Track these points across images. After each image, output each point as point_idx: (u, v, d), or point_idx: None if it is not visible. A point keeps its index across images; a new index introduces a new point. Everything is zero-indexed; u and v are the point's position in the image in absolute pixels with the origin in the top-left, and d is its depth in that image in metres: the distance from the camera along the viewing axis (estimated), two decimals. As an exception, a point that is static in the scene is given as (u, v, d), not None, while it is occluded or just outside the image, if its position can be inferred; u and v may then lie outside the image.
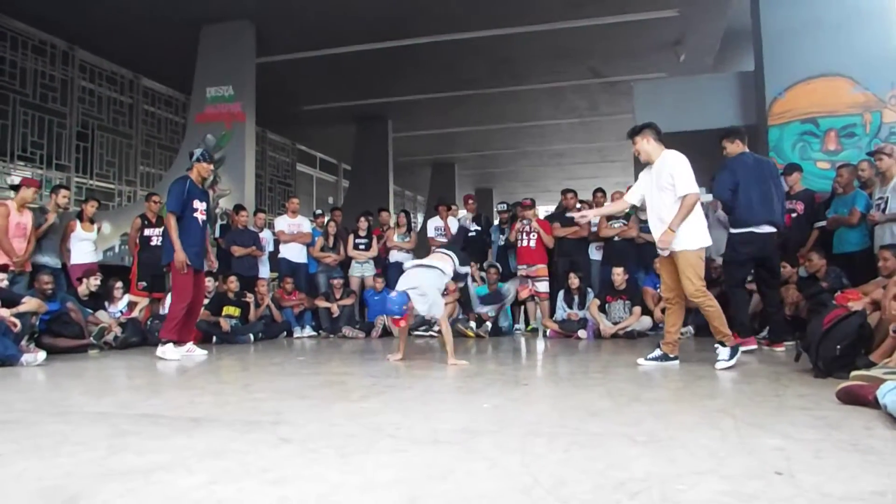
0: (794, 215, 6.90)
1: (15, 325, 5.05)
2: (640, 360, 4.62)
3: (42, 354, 5.07)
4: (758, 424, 2.48)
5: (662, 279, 4.73)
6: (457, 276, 5.43)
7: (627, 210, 5.08)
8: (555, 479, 1.80)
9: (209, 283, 7.74)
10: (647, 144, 4.59)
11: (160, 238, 7.69)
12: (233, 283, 7.59)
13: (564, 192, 8.38)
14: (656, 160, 4.57)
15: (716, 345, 4.46)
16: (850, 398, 2.84)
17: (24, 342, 5.26)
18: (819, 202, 6.92)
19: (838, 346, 3.65)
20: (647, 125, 4.65)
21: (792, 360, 4.11)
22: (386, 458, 2.06)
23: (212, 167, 6.07)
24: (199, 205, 5.76)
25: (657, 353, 4.62)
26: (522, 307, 8.37)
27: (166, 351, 5.52)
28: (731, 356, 4.35)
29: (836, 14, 8.26)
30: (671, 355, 4.59)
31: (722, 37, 11.01)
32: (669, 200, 4.46)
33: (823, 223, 6.70)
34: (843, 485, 1.74)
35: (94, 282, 6.97)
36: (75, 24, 10.18)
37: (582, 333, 7.08)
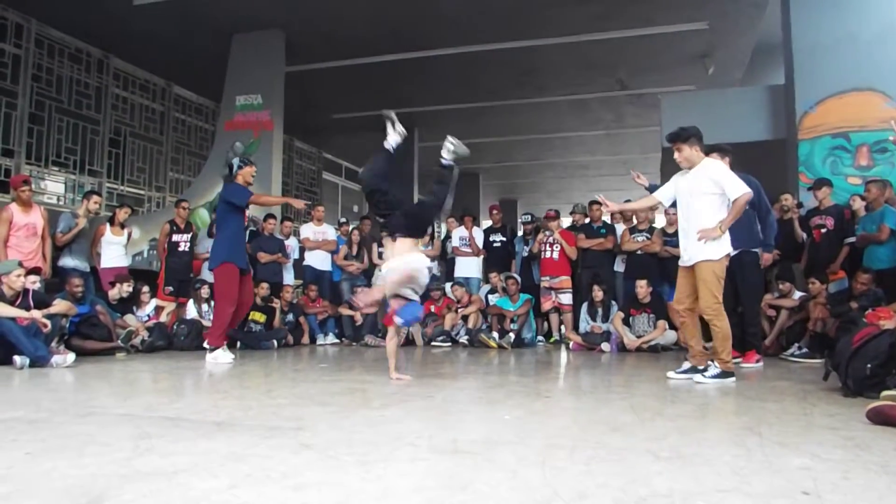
0: (823, 231, 6.79)
1: (45, 326, 5.15)
2: (670, 374, 4.57)
3: (71, 356, 5.17)
4: (784, 443, 2.44)
5: (678, 289, 4.67)
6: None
7: (654, 205, 5.09)
8: (575, 493, 1.78)
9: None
10: (693, 153, 4.52)
11: (188, 244, 7.84)
12: (263, 290, 7.67)
13: (591, 203, 8.35)
14: (696, 167, 4.53)
15: (709, 361, 4.50)
16: (881, 419, 2.77)
17: (53, 344, 5.37)
18: (849, 218, 6.80)
19: (868, 366, 3.57)
20: (694, 132, 4.56)
21: (821, 379, 4.03)
22: (406, 467, 2.07)
23: (254, 169, 6.14)
24: (245, 211, 6.04)
25: (686, 366, 4.57)
26: (545, 319, 8.33)
27: (217, 356, 5.58)
28: (715, 377, 4.34)
29: (869, 29, 8.14)
30: (700, 367, 4.53)
31: (752, 50, 10.90)
32: (707, 206, 4.43)
33: (853, 239, 6.59)
34: (872, 507, 1.70)
35: (127, 287, 7.06)
36: (110, 33, 10.41)
37: (605, 346, 7.02)
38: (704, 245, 4.37)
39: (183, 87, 12.99)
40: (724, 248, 4.41)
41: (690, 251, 4.48)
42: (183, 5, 9.41)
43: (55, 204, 10.10)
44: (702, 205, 4.46)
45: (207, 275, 7.96)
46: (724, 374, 4.37)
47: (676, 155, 4.56)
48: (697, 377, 4.39)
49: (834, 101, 8.19)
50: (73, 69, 10.53)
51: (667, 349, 6.83)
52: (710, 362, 4.51)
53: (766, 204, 5.22)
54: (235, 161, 6.05)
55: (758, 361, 5.36)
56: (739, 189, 4.33)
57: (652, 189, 5.38)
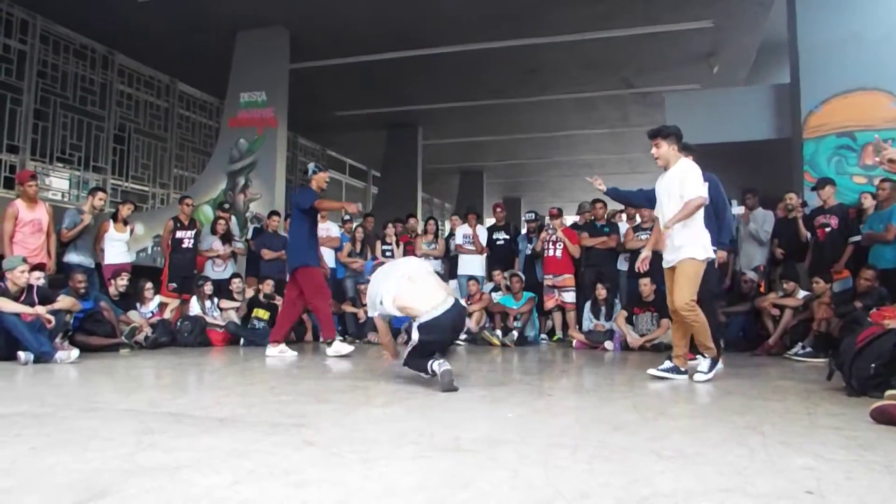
0: (827, 230, 6.77)
1: (49, 322, 5.16)
2: (652, 371, 4.57)
3: (75, 352, 5.17)
4: (787, 443, 2.43)
5: (668, 291, 4.65)
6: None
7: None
8: (577, 492, 1.78)
9: (239, 283, 7.89)
10: (670, 151, 4.49)
11: (191, 240, 7.83)
12: (267, 287, 7.69)
13: (594, 202, 8.33)
14: (672, 168, 4.50)
15: (697, 355, 4.61)
16: (885, 418, 2.76)
17: (58, 340, 5.38)
18: (854, 217, 6.78)
19: (872, 365, 3.55)
20: (674, 132, 4.54)
21: (824, 378, 4.02)
22: (408, 465, 2.07)
23: (327, 175, 6.31)
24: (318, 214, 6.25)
25: (668, 364, 4.57)
26: (549, 317, 8.32)
27: (340, 349, 5.80)
28: (710, 369, 4.43)
29: (875, 28, 8.12)
30: (682, 368, 4.54)
31: (757, 49, 10.87)
32: (677, 208, 4.40)
33: (858, 238, 6.56)
34: (876, 507, 1.69)
35: (122, 282, 7.06)
36: (115, 30, 10.44)
37: (608, 345, 7.01)
38: (687, 247, 4.37)
39: (187, 84, 13.03)
40: (707, 250, 4.41)
41: (673, 252, 4.47)
42: (187, 2, 9.43)
43: (60, 200, 10.13)
44: (676, 207, 4.42)
45: (211, 272, 8.00)
46: (715, 361, 4.46)
47: (654, 150, 4.53)
48: (698, 376, 4.40)
49: (839, 100, 8.17)
50: (78, 65, 10.57)
51: (670, 347, 6.80)
52: (700, 356, 4.55)
53: (723, 200, 5.15)
54: (311, 166, 6.24)
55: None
56: (694, 192, 4.31)
57: (610, 192, 5.33)
